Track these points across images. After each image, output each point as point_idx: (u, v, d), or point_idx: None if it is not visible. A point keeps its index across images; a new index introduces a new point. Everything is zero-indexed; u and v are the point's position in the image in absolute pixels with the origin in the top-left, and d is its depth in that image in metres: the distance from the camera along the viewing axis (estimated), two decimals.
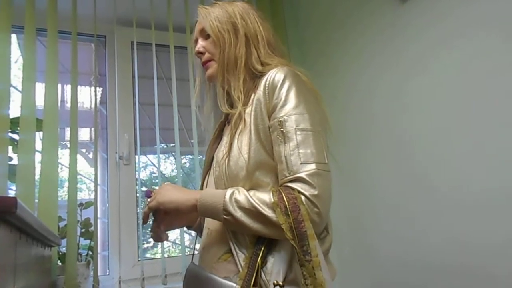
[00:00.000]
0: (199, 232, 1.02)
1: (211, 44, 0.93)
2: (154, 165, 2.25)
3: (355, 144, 1.64)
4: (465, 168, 1.19)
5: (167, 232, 0.97)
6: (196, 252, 0.98)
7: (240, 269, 0.76)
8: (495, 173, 1.11)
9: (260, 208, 0.74)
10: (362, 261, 1.60)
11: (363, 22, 1.62)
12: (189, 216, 1.01)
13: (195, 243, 1.10)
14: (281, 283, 0.72)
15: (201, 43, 0.96)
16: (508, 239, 1.07)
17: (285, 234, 0.71)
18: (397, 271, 1.42)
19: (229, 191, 0.78)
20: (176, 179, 1.78)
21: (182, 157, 2.32)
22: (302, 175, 0.74)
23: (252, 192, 0.77)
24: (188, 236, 2.07)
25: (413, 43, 1.38)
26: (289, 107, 0.79)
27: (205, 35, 0.95)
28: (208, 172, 0.97)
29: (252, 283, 0.72)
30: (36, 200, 1.38)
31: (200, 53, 0.95)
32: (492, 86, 1.13)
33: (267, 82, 0.83)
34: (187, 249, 1.77)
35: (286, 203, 0.72)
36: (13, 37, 1.64)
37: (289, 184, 0.75)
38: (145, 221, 0.91)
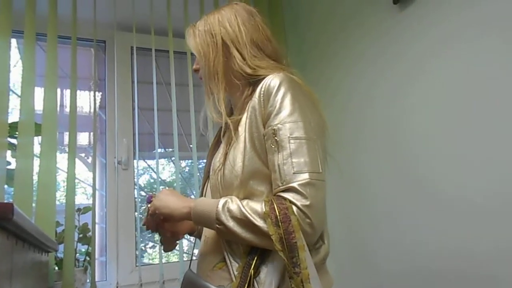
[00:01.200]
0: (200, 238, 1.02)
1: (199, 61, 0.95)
2: (153, 170, 2.25)
3: (353, 147, 1.63)
4: (466, 173, 1.18)
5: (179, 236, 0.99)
6: (194, 258, 0.98)
7: (234, 279, 0.75)
8: (497, 178, 1.10)
9: (252, 218, 0.73)
10: (360, 268, 1.59)
11: (362, 26, 1.63)
12: (190, 222, 1.01)
13: (193, 249, 1.09)
14: None
15: (196, 60, 0.97)
16: (509, 245, 1.06)
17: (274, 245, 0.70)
18: (396, 278, 1.41)
19: (222, 200, 0.78)
20: (175, 184, 1.78)
21: (181, 162, 2.31)
22: (295, 185, 0.73)
23: (245, 202, 0.77)
24: (187, 241, 2.06)
25: (412, 46, 1.39)
26: (284, 115, 0.78)
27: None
28: (208, 179, 0.96)
29: None
30: (34, 205, 1.37)
31: (196, 70, 0.98)
32: (492, 89, 1.13)
33: (262, 89, 0.81)
34: (185, 255, 1.76)
35: (277, 213, 0.71)
36: (13, 41, 1.64)
37: (282, 194, 0.74)
38: (151, 228, 0.91)
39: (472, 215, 1.16)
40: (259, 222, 0.72)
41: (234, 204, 0.76)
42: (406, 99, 1.41)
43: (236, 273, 0.75)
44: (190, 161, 2.24)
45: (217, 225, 0.76)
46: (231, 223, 0.75)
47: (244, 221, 0.74)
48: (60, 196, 1.92)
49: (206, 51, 0.90)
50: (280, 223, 0.70)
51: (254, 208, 0.74)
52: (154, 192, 1.14)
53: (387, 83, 1.50)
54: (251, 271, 0.73)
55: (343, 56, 1.74)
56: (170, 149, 2.00)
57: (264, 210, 0.73)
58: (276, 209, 0.71)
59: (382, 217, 1.49)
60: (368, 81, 1.59)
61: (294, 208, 0.71)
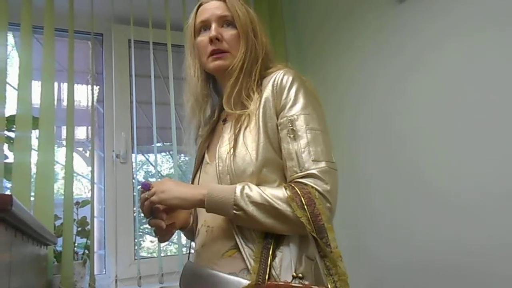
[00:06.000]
0: (190, 234, 1.01)
1: (233, 36, 0.90)
2: (151, 163, 2.25)
3: (351, 143, 1.63)
4: (464, 169, 1.19)
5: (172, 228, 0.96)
6: (192, 251, 0.97)
7: (248, 265, 0.75)
8: (494, 174, 1.11)
9: (274, 203, 0.75)
10: (357, 262, 1.60)
11: (361, 20, 1.62)
12: (185, 216, 0.99)
13: (191, 242, 1.09)
14: (300, 275, 0.73)
15: (219, 29, 0.90)
16: (506, 241, 1.07)
17: (299, 228, 0.73)
18: (392, 271, 1.42)
19: (239, 186, 0.78)
20: (173, 178, 1.78)
21: (179, 156, 2.31)
22: (314, 171, 0.77)
23: (263, 188, 0.78)
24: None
25: (412, 40, 1.39)
26: (299, 107, 0.82)
27: (224, 24, 0.91)
28: (198, 170, 0.96)
29: (267, 276, 0.72)
30: (32, 199, 1.37)
31: (217, 39, 0.88)
32: (491, 83, 1.13)
33: (275, 82, 0.85)
34: (184, 248, 1.76)
35: (301, 197, 0.74)
36: (9, 34, 1.63)
37: (301, 180, 0.77)
38: (147, 215, 0.89)
39: (467, 211, 1.17)
40: (282, 206, 0.75)
41: (253, 190, 0.77)
42: (404, 93, 1.41)
43: (251, 259, 0.76)
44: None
45: (234, 211, 0.76)
46: (250, 208, 0.75)
47: (265, 206, 0.75)
48: (59, 190, 1.92)
49: (251, 38, 0.91)
50: (305, 207, 0.73)
51: (275, 194, 0.76)
52: (149, 180, 1.14)
53: (386, 77, 1.49)
54: (270, 255, 0.74)
55: (342, 51, 1.74)
56: (168, 143, 2.00)
57: (286, 194, 0.75)
58: (300, 193, 0.75)
59: (378, 211, 1.50)
60: (366, 75, 1.59)
61: (316, 193, 0.75)
